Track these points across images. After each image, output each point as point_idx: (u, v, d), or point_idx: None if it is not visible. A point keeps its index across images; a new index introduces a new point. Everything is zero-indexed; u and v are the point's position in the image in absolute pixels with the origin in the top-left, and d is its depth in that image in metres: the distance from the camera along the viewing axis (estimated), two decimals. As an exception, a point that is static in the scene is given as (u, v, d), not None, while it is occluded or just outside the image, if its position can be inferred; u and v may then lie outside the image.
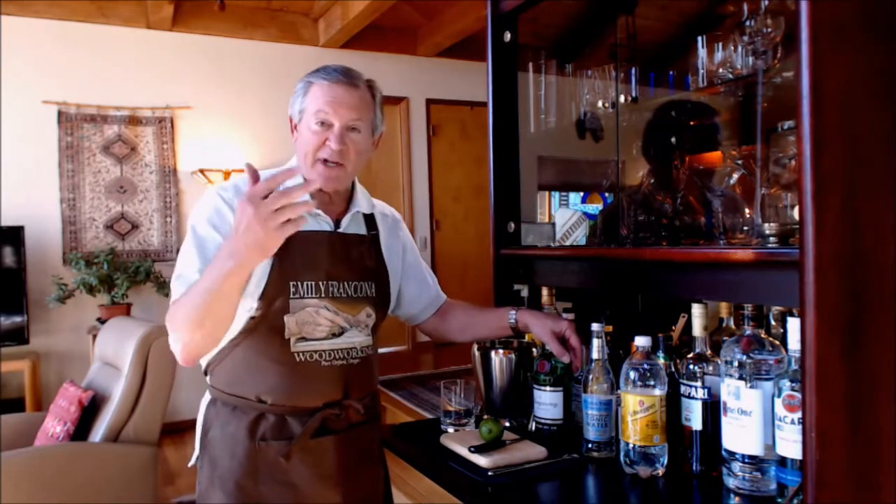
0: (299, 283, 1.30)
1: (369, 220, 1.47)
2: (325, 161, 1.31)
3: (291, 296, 1.29)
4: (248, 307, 1.29)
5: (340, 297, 1.35)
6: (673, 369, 1.31)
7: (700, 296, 1.27)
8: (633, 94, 1.68)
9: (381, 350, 1.50)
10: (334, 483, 1.34)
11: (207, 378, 1.40)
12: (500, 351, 1.58)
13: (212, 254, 1.24)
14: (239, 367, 1.32)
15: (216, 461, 1.32)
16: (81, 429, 2.59)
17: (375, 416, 1.47)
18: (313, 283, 1.32)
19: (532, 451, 1.35)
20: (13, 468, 2.32)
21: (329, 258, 1.34)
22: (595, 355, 1.36)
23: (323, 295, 1.32)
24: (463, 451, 1.36)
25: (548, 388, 1.49)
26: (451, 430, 1.54)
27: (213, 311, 1.15)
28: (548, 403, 1.49)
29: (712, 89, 1.45)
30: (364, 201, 1.44)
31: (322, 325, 1.32)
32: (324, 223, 1.37)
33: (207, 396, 1.40)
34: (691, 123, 1.68)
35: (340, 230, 1.39)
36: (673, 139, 1.69)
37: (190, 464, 1.42)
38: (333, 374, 1.33)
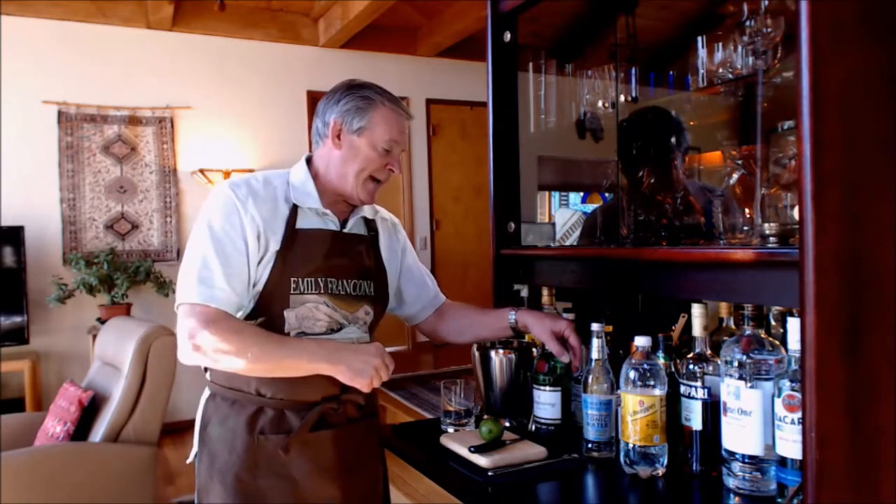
0: (300, 280, 1.33)
1: (370, 223, 1.52)
2: (374, 179, 1.41)
3: (292, 291, 1.32)
4: (249, 301, 1.32)
5: (339, 294, 1.38)
6: (673, 369, 1.31)
7: (700, 296, 1.26)
8: (633, 94, 1.68)
9: (381, 350, 1.50)
10: (333, 477, 1.35)
11: (206, 374, 1.41)
12: (500, 351, 1.57)
13: (232, 255, 1.28)
14: None
15: (215, 455, 1.34)
16: (81, 429, 2.59)
17: (373, 412, 1.49)
18: (313, 279, 1.34)
19: (532, 451, 1.35)
20: (13, 468, 2.32)
21: (330, 256, 1.38)
22: (595, 355, 1.36)
23: (322, 291, 1.35)
24: (463, 451, 1.36)
25: (547, 387, 1.49)
26: (451, 430, 1.54)
27: (280, 369, 1.29)
28: (547, 403, 1.49)
29: (712, 89, 1.45)
30: (368, 206, 1.48)
31: (321, 320, 1.35)
32: (330, 223, 1.41)
33: (206, 392, 1.41)
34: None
35: (345, 230, 1.43)
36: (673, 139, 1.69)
37: (189, 460, 1.43)
38: None
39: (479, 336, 1.59)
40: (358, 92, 1.39)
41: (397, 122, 1.40)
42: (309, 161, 1.45)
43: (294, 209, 1.36)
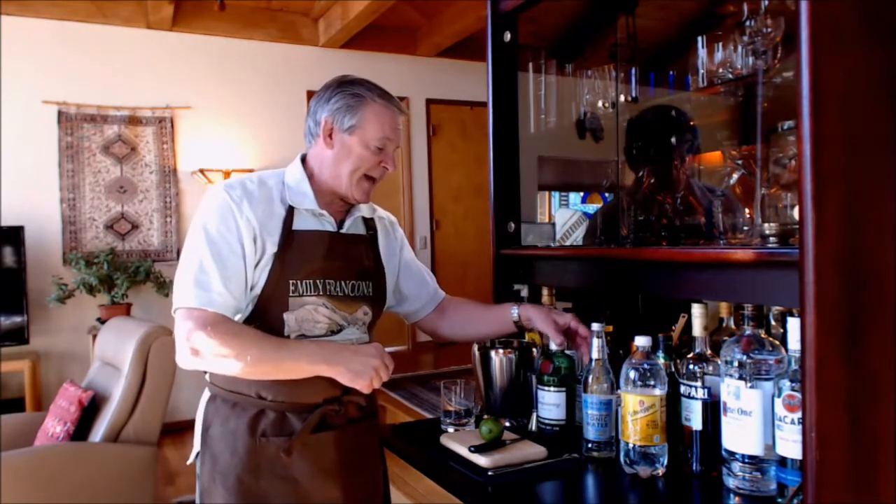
0: (299, 282, 1.32)
1: (368, 222, 1.51)
2: (369, 177, 1.39)
3: (291, 294, 1.32)
4: (248, 304, 1.32)
5: (338, 295, 1.37)
6: (673, 369, 1.31)
7: (700, 296, 1.26)
8: (633, 94, 1.68)
9: (381, 350, 1.50)
10: (334, 478, 1.35)
11: (207, 375, 1.40)
12: (500, 351, 1.57)
13: (228, 258, 1.27)
14: None
15: (217, 457, 1.33)
16: (81, 429, 2.59)
17: (373, 412, 1.49)
18: (312, 281, 1.34)
19: (532, 451, 1.35)
20: (13, 468, 2.32)
21: (329, 258, 1.37)
22: (595, 355, 1.36)
23: (321, 293, 1.35)
24: (463, 451, 1.36)
25: (552, 388, 1.49)
26: (451, 430, 1.54)
27: (280, 371, 1.28)
28: (551, 404, 1.49)
29: (712, 89, 1.45)
30: (365, 205, 1.47)
31: (321, 322, 1.35)
32: (327, 224, 1.40)
33: (207, 393, 1.41)
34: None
35: (343, 231, 1.42)
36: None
37: (189, 461, 1.43)
38: None
39: (480, 332, 1.58)
40: (349, 89, 1.36)
41: (390, 119, 1.37)
42: (304, 160, 1.43)
43: (290, 210, 1.35)
